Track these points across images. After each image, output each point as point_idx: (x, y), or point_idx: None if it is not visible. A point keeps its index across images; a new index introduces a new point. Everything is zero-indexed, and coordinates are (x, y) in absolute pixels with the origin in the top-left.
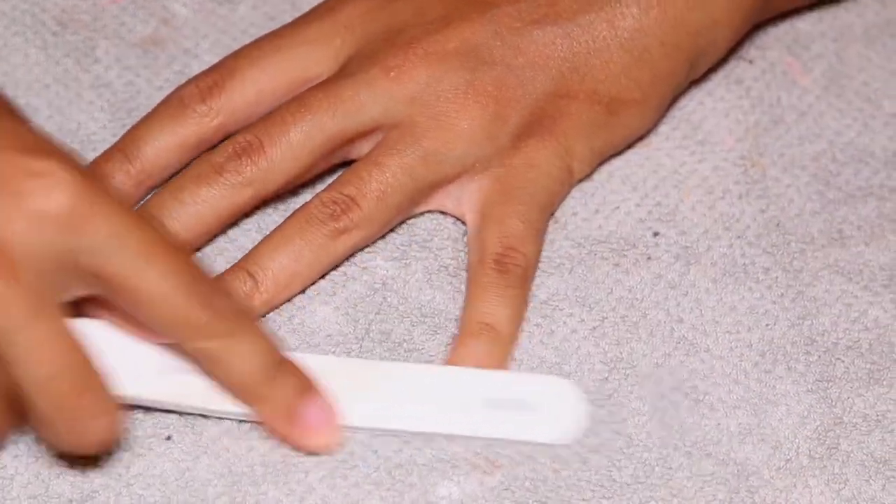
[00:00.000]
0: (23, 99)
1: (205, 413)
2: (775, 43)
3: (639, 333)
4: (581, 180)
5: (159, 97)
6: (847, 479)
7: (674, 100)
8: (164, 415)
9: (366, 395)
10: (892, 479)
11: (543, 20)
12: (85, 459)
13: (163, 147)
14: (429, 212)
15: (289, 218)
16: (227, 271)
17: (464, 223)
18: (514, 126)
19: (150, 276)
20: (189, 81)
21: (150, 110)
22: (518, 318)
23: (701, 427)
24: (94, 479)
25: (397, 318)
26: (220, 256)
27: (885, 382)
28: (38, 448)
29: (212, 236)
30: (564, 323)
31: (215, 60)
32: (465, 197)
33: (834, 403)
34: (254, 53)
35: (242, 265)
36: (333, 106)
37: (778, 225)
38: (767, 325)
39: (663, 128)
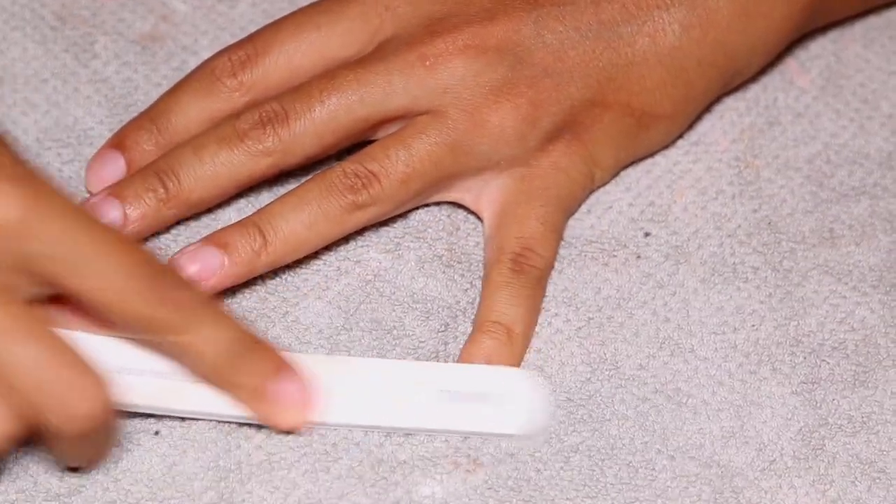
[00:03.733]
0: (21, 93)
1: (187, 415)
2: None
3: (624, 334)
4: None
5: (157, 93)
6: (832, 480)
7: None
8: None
9: (335, 388)
10: (877, 480)
11: (587, 27)
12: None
13: (192, 119)
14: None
15: (308, 181)
16: (237, 223)
17: (479, 218)
18: (544, 129)
19: (103, 275)
20: (221, 53)
21: (182, 78)
22: (531, 319)
23: (684, 430)
24: (82, 474)
25: (388, 306)
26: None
27: (870, 384)
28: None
29: (225, 198)
30: (549, 323)
31: None
32: (485, 193)
33: (819, 405)
34: (290, 28)
35: (255, 220)
36: (363, 88)
37: (769, 224)
38: (753, 325)
39: None
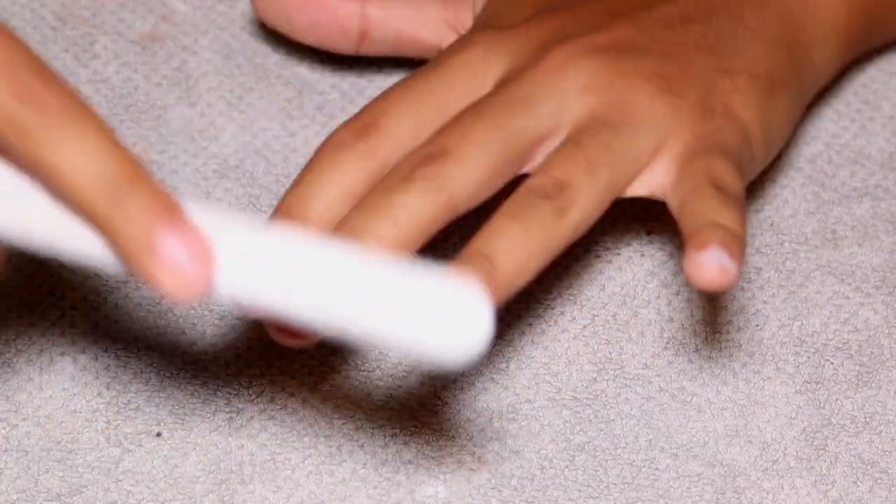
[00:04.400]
0: None
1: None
2: None
3: (629, 332)
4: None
5: (157, 94)
6: (834, 481)
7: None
8: (154, 411)
9: (252, 254)
10: (879, 481)
11: (687, 19)
12: (74, 453)
13: (331, 198)
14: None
15: (501, 208)
16: (460, 258)
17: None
18: (692, 99)
19: None
20: (339, 128)
21: (306, 164)
22: (744, 220)
23: (688, 428)
24: (83, 475)
25: None
26: None
27: (873, 384)
28: (28, 443)
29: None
30: (555, 322)
31: (214, 57)
32: (665, 174)
33: (822, 405)
34: (400, 90)
35: (476, 247)
36: (508, 105)
37: (772, 225)
38: (757, 325)
39: None
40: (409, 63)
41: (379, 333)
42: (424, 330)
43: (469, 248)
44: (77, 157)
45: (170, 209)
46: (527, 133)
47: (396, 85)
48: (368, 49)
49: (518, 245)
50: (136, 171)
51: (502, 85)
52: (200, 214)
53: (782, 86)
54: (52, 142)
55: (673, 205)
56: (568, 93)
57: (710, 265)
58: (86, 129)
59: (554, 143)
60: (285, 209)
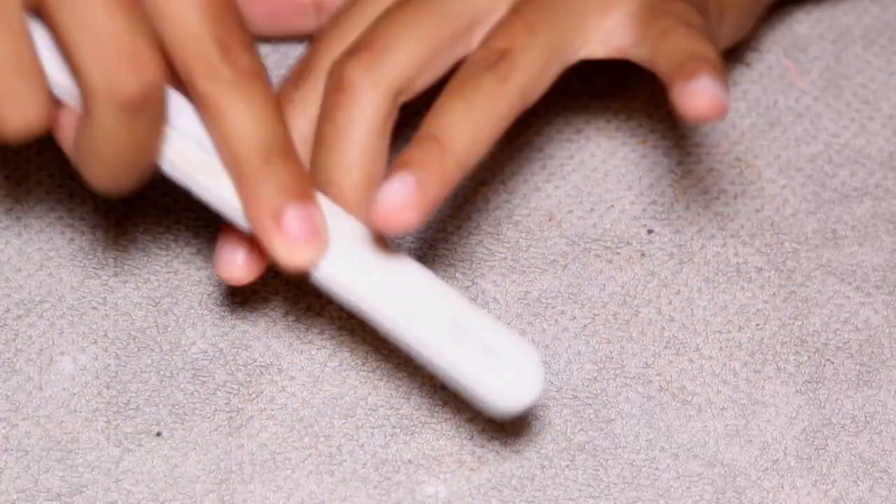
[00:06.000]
0: None
1: (205, 198)
2: (773, 46)
3: (629, 332)
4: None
5: None
6: (835, 480)
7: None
8: (154, 411)
9: (352, 257)
10: (879, 481)
11: None
12: (74, 453)
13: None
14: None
15: (449, 83)
16: (412, 142)
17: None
18: None
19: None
20: (281, 82)
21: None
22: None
23: (688, 428)
24: (83, 474)
25: None
26: None
27: (874, 384)
28: (28, 443)
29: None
30: (556, 321)
31: None
32: (616, 31)
33: (823, 405)
34: (334, 24)
35: (423, 132)
36: None
37: (772, 224)
38: (758, 324)
39: (659, 126)
40: None
41: (444, 365)
42: (483, 377)
43: (419, 132)
44: (247, 115)
45: (305, 189)
46: (460, 12)
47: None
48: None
49: (465, 120)
50: (289, 148)
51: None
52: (328, 205)
53: None
54: (233, 93)
55: (642, 55)
56: None
57: (704, 93)
58: (263, 94)
59: (493, 21)
60: None
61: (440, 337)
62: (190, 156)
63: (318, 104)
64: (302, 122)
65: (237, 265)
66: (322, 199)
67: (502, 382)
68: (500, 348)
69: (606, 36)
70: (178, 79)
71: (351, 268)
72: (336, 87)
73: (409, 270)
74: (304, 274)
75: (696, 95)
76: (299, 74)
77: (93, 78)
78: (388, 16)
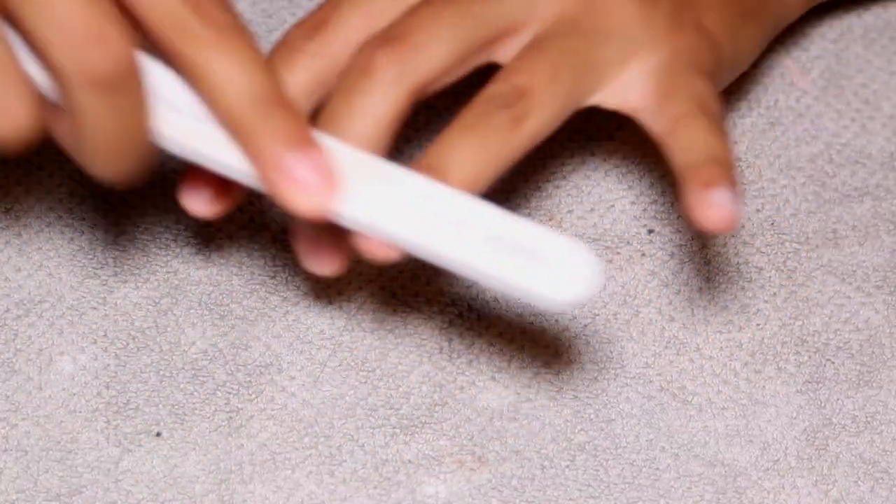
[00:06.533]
0: None
1: (205, 164)
2: (774, 45)
3: (630, 332)
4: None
5: None
6: (835, 481)
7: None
8: (154, 411)
9: (371, 190)
10: (880, 481)
11: None
12: (73, 453)
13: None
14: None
15: (459, 115)
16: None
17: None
18: (665, 10)
19: None
20: (292, 27)
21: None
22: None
23: (689, 428)
24: (83, 475)
25: (391, 305)
26: None
27: (874, 384)
28: (27, 443)
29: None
30: (557, 320)
31: None
32: (633, 87)
33: (823, 405)
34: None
35: (426, 161)
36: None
37: (773, 224)
38: (758, 324)
39: None
40: None
41: (492, 280)
42: (532, 284)
43: (425, 159)
44: (233, 69)
45: (305, 135)
46: (495, 21)
47: None
48: None
49: (472, 158)
50: (281, 95)
51: None
52: (336, 145)
53: (754, 14)
54: (213, 50)
55: (654, 128)
56: None
57: (721, 208)
58: (244, 47)
59: (522, 38)
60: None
61: (480, 252)
62: (185, 127)
63: (328, 63)
64: (305, 75)
65: (204, 200)
66: (328, 140)
67: (554, 285)
68: (544, 250)
69: (622, 90)
70: (160, 51)
71: (375, 203)
72: (362, 70)
73: (436, 192)
74: (331, 218)
75: (711, 208)
76: (314, 26)
77: (63, 64)
78: (427, 8)
